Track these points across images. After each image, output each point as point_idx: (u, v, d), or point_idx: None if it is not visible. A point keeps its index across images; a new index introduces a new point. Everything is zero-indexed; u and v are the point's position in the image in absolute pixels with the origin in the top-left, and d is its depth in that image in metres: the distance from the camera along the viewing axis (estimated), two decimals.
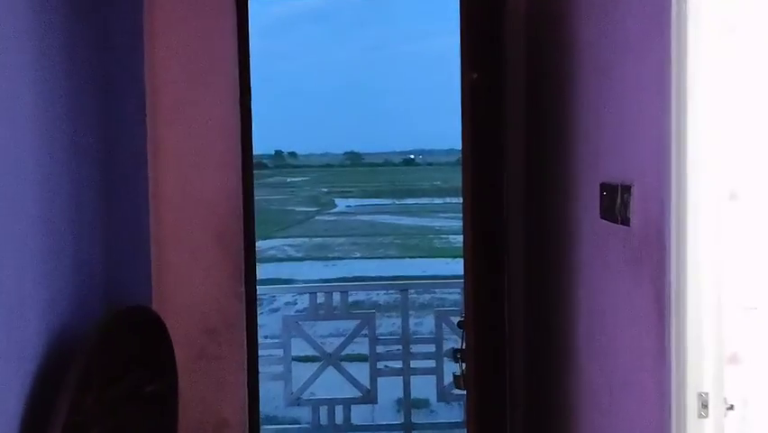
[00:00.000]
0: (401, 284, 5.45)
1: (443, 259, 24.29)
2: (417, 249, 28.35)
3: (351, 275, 20.71)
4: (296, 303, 16.45)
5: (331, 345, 5.25)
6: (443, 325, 4.90)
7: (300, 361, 5.43)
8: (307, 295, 4.98)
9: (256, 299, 3.53)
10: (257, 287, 3.57)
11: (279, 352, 4.87)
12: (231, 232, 3.42)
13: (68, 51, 2.47)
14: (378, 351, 4.93)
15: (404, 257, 26.22)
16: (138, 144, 3.20)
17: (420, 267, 22.45)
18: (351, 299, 5.08)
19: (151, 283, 3.25)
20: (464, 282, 2.63)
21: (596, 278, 2.36)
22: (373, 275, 20.69)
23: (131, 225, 3.15)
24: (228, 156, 3.41)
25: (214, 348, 3.40)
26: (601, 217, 2.23)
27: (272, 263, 24.34)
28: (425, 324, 9.17)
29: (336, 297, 5.03)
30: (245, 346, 3.44)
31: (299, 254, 27.43)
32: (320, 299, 5.02)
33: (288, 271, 21.85)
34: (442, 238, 30.58)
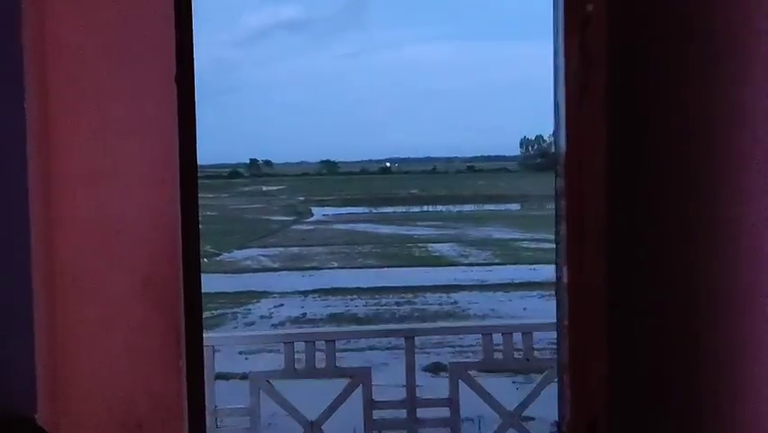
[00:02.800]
0: (406, 329, 4.26)
1: (423, 268, 24.62)
2: (396, 258, 29.15)
3: (329, 286, 20.45)
4: (271, 317, 15.46)
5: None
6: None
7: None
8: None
9: (203, 376, 2.37)
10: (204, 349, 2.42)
11: (245, 421, 3.71)
12: (165, 277, 2.26)
13: None
14: (374, 417, 3.79)
15: (383, 266, 26.79)
16: (17, 144, 2.08)
17: (400, 277, 22.67)
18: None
19: (35, 360, 2.09)
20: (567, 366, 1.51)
21: None
22: (352, 287, 20.74)
23: (5, 270, 2.06)
24: (162, 165, 2.26)
25: None
26: None
27: (247, 274, 24.27)
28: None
29: (320, 348, 3.84)
30: None
31: (275, 264, 28.19)
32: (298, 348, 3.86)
33: (264, 282, 21.50)
34: (420, 247, 31.56)
